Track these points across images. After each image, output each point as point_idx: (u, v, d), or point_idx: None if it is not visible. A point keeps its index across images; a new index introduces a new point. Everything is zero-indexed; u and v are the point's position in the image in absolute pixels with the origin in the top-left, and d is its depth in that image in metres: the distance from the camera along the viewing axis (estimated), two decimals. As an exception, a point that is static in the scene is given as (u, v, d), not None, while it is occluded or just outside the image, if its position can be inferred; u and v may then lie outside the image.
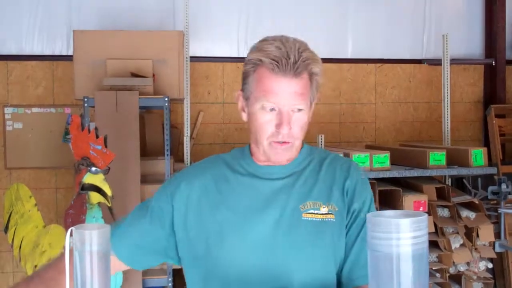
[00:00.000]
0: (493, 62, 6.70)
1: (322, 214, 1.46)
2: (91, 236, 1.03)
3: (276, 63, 1.41)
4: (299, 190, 1.50)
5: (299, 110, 1.47)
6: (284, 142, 1.47)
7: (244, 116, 1.56)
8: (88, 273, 1.03)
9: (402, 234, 1.07)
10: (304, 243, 1.43)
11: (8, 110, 6.07)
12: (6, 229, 4.18)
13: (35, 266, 3.91)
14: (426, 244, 1.11)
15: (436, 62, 6.45)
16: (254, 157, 1.57)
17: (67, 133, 6.06)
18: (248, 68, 1.51)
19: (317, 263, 1.43)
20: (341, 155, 3.49)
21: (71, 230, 1.06)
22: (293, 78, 1.43)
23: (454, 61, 6.52)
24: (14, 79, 6.10)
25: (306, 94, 1.47)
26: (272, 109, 1.45)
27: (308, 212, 1.46)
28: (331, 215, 1.46)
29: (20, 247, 4.08)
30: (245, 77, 1.53)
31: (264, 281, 1.41)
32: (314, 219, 1.45)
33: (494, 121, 6.22)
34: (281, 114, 1.44)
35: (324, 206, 1.47)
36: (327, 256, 1.44)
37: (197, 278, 1.55)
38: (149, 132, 5.84)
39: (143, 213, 1.58)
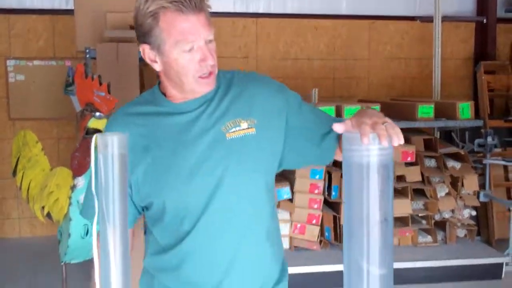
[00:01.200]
0: (484, 20, 6.86)
1: (243, 130, 1.57)
2: (112, 140, 1.24)
3: (180, 3, 1.48)
4: (216, 113, 1.59)
5: (210, 41, 1.55)
6: (210, 73, 1.55)
7: (157, 66, 1.59)
8: (110, 171, 1.24)
9: (371, 147, 1.28)
10: (232, 161, 1.57)
11: (11, 63, 6.25)
12: (14, 173, 4.40)
13: (43, 207, 4.14)
14: (391, 156, 1.31)
15: (428, 19, 6.57)
16: (169, 97, 1.63)
17: (68, 85, 6.23)
18: (148, 21, 1.52)
19: (246, 173, 1.58)
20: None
21: (96, 137, 1.27)
22: (199, 13, 1.51)
23: (446, 19, 6.67)
24: (16, 33, 6.26)
25: (209, 23, 1.55)
26: (190, 49, 1.51)
27: (229, 132, 1.57)
28: (250, 129, 1.58)
29: (28, 189, 4.31)
30: (148, 31, 1.53)
31: (204, 200, 1.56)
32: (236, 137, 1.57)
33: (483, 77, 6.40)
34: (202, 49, 1.52)
35: (243, 121, 1.59)
36: (253, 167, 1.59)
37: (151, 219, 1.68)
38: (148, 83, 6.02)
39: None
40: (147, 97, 1.68)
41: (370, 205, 1.28)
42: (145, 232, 2.38)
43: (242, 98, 1.63)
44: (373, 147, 1.27)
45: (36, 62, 6.26)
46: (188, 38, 1.51)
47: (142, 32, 1.56)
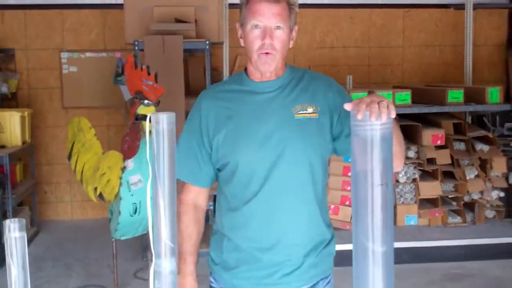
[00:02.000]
0: (517, 7, 6.99)
1: (309, 113, 1.95)
2: (163, 118, 1.57)
3: None
4: (289, 97, 1.98)
5: (278, 27, 1.87)
6: (268, 53, 1.88)
7: (242, 42, 1.97)
8: (161, 143, 1.58)
9: (373, 122, 1.56)
10: (297, 136, 1.92)
11: (64, 55, 6.69)
12: (69, 157, 4.80)
13: (95, 188, 4.52)
14: (391, 130, 1.59)
15: (462, 7, 6.71)
16: (251, 76, 2.02)
17: (117, 75, 6.62)
18: (242, 1, 1.94)
19: (306, 148, 1.92)
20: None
21: (150, 116, 1.61)
22: (276, 4, 1.87)
23: (478, 6, 6.82)
24: (69, 27, 6.69)
25: (284, 16, 1.90)
26: (257, 26, 1.87)
27: (298, 113, 1.95)
28: (314, 114, 1.95)
29: (82, 172, 4.69)
30: (241, 9, 1.94)
31: (270, 165, 1.90)
32: (303, 118, 1.94)
33: (514, 62, 6.57)
34: (264, 29, 1.86)
35: (309, 107, 1.96)
36: (313, 144, 1.93)
37: (223, 179, 2.02)
38: (192, 74, 6.39)
39: (190, 143, 2.01)
40: (235, 77, 2.08)
41: (373, 171, 1.56)
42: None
43: (310, 89, 2.00)
44: (376, 122, 1.55)
45: (88, 54, 6.68)
46: (257, 17, 1.87)
47: (239, 10, 1.97)
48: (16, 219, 1.42)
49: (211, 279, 2.10)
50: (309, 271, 1.99)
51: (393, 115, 1.51)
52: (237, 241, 1.98)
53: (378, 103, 1.49)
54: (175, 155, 1.62)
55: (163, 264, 1.64)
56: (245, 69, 2.05)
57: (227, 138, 1.94)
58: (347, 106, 1.54)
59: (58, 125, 6.79)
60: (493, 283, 4.78)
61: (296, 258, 1.96)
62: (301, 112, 1.95)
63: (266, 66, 1.92)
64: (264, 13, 1.87)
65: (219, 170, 2.02)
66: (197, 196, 2.05)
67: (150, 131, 4.06)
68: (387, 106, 1.49)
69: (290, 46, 1.99)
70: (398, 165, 1.95)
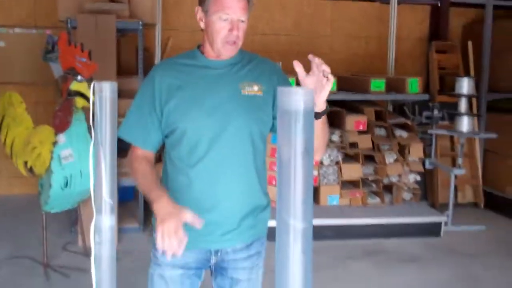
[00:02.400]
0: (439, 3, 7.37)
1: (254, 91, 2.16)
2: (106, 86, 1.70)
3: None
4: (237, 75, 2.18)
5: (242, 21, 2.12)
6: (234, 42, 2.11)
7: (202, 25, 2.17)
8: (103, 109, 1.71)
9: (296, 97, 1.76)
10: (242, 109, 2.12)
11: (-8, 30, 6.60)
12: (-1, 130, 4.80)
13: (26, 162, 4.54)
14: (312, 105, 1.78)
15: (387, 1, 7.06)
16: (205, 54, 2.20)
17: (47, 52, 6.58)
18: None
19: (249, 122, 2.12)
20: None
21: (94, 83, 1.73)
22: None
23: (403, 1, 7.19)
24: (-1, 1, 6.60)
25: (246, 10, 2.12)
26: (225, 19, 2.05)
27: (245, 89, 2.15)
28: (259, 92, 2.16)
29: (12, 146, 4.70)
30: (208, 2, 2.11)
31: (215, 134, 2.08)
32: (249, 94, 2.15)
33: (434, 56, 6.95)
34: (233, 22, 2.05)
35: (255, 85, 2.16)
36: (256, 118, 2.14)
37: (171, 144, 2.18)
38: (124, 54, 6.42)
39: (146, 111, 2.15)
40: (188, 54, 2.24)
41: (297, 138, 1.75)
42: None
43: (257, 70, 2.21)
44: (299, 98, 1.74)
45: (17, 30, 6.61)
46: (226, 11, 2.05)
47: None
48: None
49: (155, 236, 2.24)
50: (245, 232, 2.19)
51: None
52: (181, 201, 2.12)
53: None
54: (116, 121, 1.76)
55: (103, 220, 1.78)
56: (198, 47, 2.22)
57: (177, 106, 2.10)
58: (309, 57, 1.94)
59: (-15, 101, 6.68)
60: (406, 258, 5.11)
61: (234, 219, 2.15)
62: (248, 89, 2.14)
63: (230, 53, 2.13)
64: (233, 7, 2.06)
65: (166, 136, 2.18)
66: (145, 155, 2.19)
67: (82, 107, 4.13)
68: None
69: None
70: (320, 154, 2.23)
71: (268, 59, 2.34)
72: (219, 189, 2.12)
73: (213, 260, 2.21)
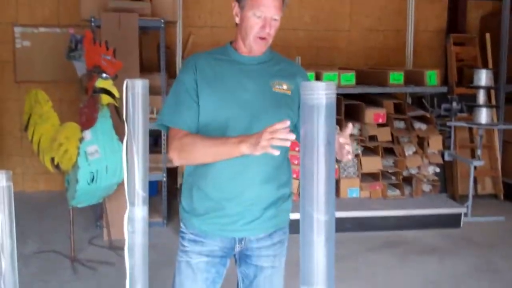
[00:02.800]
0: (456, -5, 7.39)
1: (284, 89, 2.27)
2: (138, 83, 1.80)
3: None
4: (268, 73, 2.28)
5: (275, 19, 2.22)
6: (265, 38, 2.22)
7: (237, 19, 2.23)
8: (136, 105, 1.81)
9: (319, 91, 1.83)
10: (272, 105, 2.22)
11: (18, 29, 6.74)
12: (26, 128, 4.92)
13: (52, 159, 4.66)
14: (334, 99, 1.85)
15: (405, -6, 7.10)
16: (238, 50, 2.30)
17: (70, 50, 6.71)
18: None
19: (279, 118, 2.14)
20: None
21: (127, 81, 1.83)
22: None
23: (421, -7, 7.23)
24: (23, 1, 6.73)
25: (280, 8, 2.21)
26: (259, 16, 2.15)
27: (275, 87, 2.26)
28: (288, 91, 2.27)
29: (39, 143, 4.83)
30: None
31: (245, 126, 2.16)
32: (279, 92, 2.26)
33: (452, 48, 6.98)
34: (266, 20, 2.15)
35: (284, 84, 2.27)
36: (284, 114, 2.21)
37: (201, 133, 2.24)
38: (146, 51, 6.54)
39: (189, 95, 2.23)
40: (219, 50, 2.34)
41: (319, 132, 1.83)
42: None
43: (286, 71, 2.32)
44: (322, 92, 1.82)
45: (41, 29, 6.75)
46: (261, 8, 2.16)
47: None
48: (4, 171, 1.63)
49: (182, 225, 2.36)
50: (267, 221, 2.28)
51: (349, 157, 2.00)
52: (206, 190, 2.23)
53: None
54: (148, 117, 1.85)
55: (135, 211, 1.88)
56: (230, 43, 2.32)
57: (211, 97, 2.19)
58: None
59: (10, 98, 6.85)
60: (425, 249, 5.17)
61: (257, 209, 2.24)
62: (278, 87, 2.25)
63: (260, 48, 2.23)
64: (268, 6, 2.16)
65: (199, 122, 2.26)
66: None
67: (108, 104, 4.26)
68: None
69: None
70: None
71: (295, 62, 2.49)
72: (243, 180, 2.20)
73: (237, 248, 2.30)
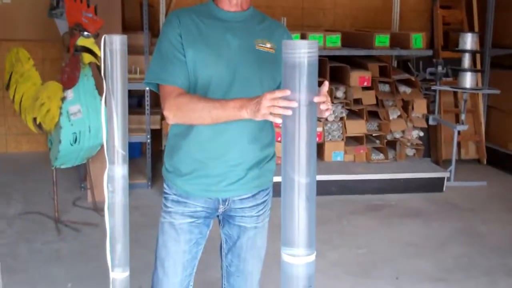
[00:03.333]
0: (445, -43, 7.29)
1: (267, 47, 2.23)
2: (116, 39, 1.75)
3: None
4: (252, 30, 2.24)
5: None
6: None
7: None
8: (114, 61, 1.76)
9: (301, 50, 1.79)
10: (255, 62, 2.19)
11: (-3, -14, 6.59)
12: (8, 87, 4.85)
13: (35, 118, 4.61)
14: (316, 58, 1.81)
15: (393, -46, 6.99)
16: (219, 5, 2.25)
17: (52, 8, 6.58)
18: None
19: (262, 76, 2.18)
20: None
21: (104, 36, 1.78)
22: None
23: (409, -45, 7.14)
24: (2, -43, 6.57)
25: None
26: None
27: (259, 45, 2.22)
28: (272, 49, 2.23)
29: (20, 102, 4.76)
30: None
31: (228, 83, 2.13)
32: (262, 50, 2.22)
33: (438, 11, 6.92)
34: None
35: (268, 43, 2.23)
36: (267, 72, 2.20)
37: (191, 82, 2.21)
38: (128, 10, 6.42)
39: (176, 50, 2.17)
40: (201, 7, 2.28)
41: (301, 92, 1.79)
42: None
43: (269, 29, 2.27)
44: (304, 51, 1.77)
45: (22, -15, 6.61)
46: None
47: None
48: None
49: (165, 186, 2.33)
50: (251, 182, 2.26)
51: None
52: (189, 150, 2.20)
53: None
54: (126, 72, 1.81)
55: (115, 170, 1.85)
56: (212, 0, 2.27)
57: (195, 53, 2.14)
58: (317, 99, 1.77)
59: (-10, 58, 6.72)
60: (408, 212, 5.21)
61: (240, 169, 2.22)
62: (261, 45, 2.21)
63: None
64: None
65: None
66: (181, 92, 2.16)
67: (90, 63, 4.17)
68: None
69: None
70: None
71: (279, 22, 2.41)
72: (226, 140, 2.17)
73: (221, 209, 2.29)
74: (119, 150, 1.83)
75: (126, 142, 1.85)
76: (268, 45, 2.22)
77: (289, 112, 1.70)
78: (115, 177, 1.85)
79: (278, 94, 1.75)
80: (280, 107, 1.74)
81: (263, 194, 2.34)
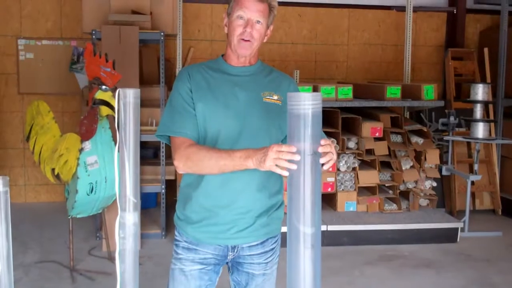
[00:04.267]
0: (455, 10, 7.46)
1: (274, 99, 2.33)
2: (130, 92, 1.86)
3: None
4: (259, 83, 2.35)
5: (258, 22, 2.28)
6: (248, 40, 2.28)
7: (226, 29, 2.36)
8: (127, 113, 1.87)
9: (305, 102, 1.88)
10: (263, 114, 2.28)
11: (21, 42, 6.83)
12: (28, 138, 4.99)
13: (53, 169, 4.73)
14: (320, 109, 1.90)
15: (403, 9, 7.15)
16: (227, 60, 2.37)
17: (72, 63, 6.83)
18: None
19: (269, 127, 2.27)
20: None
21: (119, 90, 1.89)
22: (258, 2, 2.24)
23: (419, 8, 7.32)
24: (26, 14, 6.83)
25: (265, 14, 2.27)
26: (242, 17, 2.23)
27: (266, 97, 2.32)
28: (278, 101, 2.33)
29: (40, 153, 4.89)
30: (229, 3, 2.33)
31: (236, 135, 2.22)
32: (269, 102, 2.32)
33: (450, 63, 7.05)
34: (248, 21, 2.23)
35: (275, 95, 2.33)
36: (274, 123, 2.29)
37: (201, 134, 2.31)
38: (146, 64, 6.62)
39: (187, 104, 2.29)
40: (212, 62, 2.41)
41: (305, 142, 1.86)
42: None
43: (276, 82, 2.38)
44: (308, 103, 1.86)
45: (44, 42, 6.84)
46: (243, 9, 2.24)
47: (228, 7, 2.33)
48: (1, 176, 1.69)
49: (176, 233, 2.41)
50: (260, 229, 2.33)
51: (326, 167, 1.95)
52: (199, 198, 2.28)
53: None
54: (139, 123, 1.91)
55: (127, 217, 1.94)
56: (222, 56, 2.39)
57: (204, 107, 2.25)
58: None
59: (13, 110, 6.93)
60: (422, 263, 5.20)
61: (249, 217, 2.29)
62: (268, 97, 2.31)
63: (244, 51, 2.27)
64: (250, 8, 2.23)
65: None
66: (192, 143, 2.27)
67: (107, 115, 4.32)
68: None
69: (264, 41, 2.34)
70: None
71: (285, 74, 2.50)
72: (235, 188, 2.25)
73: (230, 256, 2.35)
74: (131, 197, 1.91)
75: (137, 190, 1.93)
76: (275, 97, 2.31)
77: (294, 166, 1.77)
78: (126, 224, 1.92)
79: (285, 148, 1.81)
80: (285, 160, 1.80)
81: (271, 241, 2.40)
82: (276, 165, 1.88)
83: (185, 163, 2.19)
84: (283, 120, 2.29)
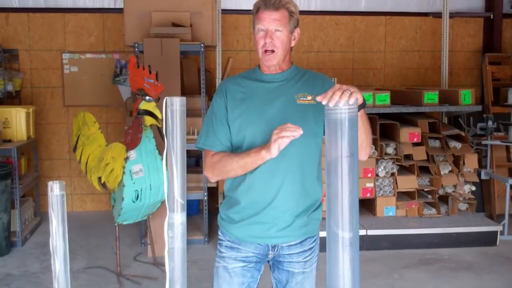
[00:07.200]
0: (492, 15, 7.46)
1: (308, 100, 2.42)
2: (176, 100, 2.00)
3: (263, 3, 2.36)
4: (293, 88, 2.45)
5: (277, 30, 2.38)
6: (272, 51, 2.36)
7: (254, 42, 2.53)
8: (174, 120, 2.01)
9: (342, 107, 1.98)
10: (297, 116, 2.37)
11: (66, 56, 7.09)
12: (75, 149, 5.19)
13: (99, 178, 4.91)
14: (356, 113, 2.00)
15: (440, 15, 7.19)
16: (261, 69, 2.51)
17: (115, 75, 7.05)
18: (253, 11, 2.42)
19: (305, 127, 2.27)
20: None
21: (166, 99, 2.03)
22: (274, 11, 2.35)
23: (456, 14, 7.33)
24: (70, 29, 7.09)
25: (283, 21, 2.37)
26: (262, 30, 2.35)
27: (300, 99, 2.42)
28: (313, 101, 2.41)
29: (86, 163, 5.08)
30: (253, 18, 2.47)
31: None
32: (304, 103, 2.41)
33: (487, 68, 7.05)
34: (267, 32, 2.35)
35: (309, 95, 2.42)
36: (310, 123, 2.37)
37: (235, 148, 2.45)
38: (187, 74, 6.80)
39: (218, 119, 2.45)
40: (249, 72, 2.55)
41: (342, 145, 1.97)
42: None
43: (310, 83, 2.47)
44: (344, 107, 1.97)
45: (88, 55, 7.10)
46: (261, 22, 2.37)
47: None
48: (57, 181, 1.84)
49: (219, 233, 2.55)
50: (298, 229, 2.43)
51: (351, 101, 1.90)
52: (240, 199, 2.42)
53: (344, 91, 1.89)
54: (185, 131, 2.05)
55: (175, 217, 2.07)
56: (259, 65, 2.53)
57: (241, 115, 2.39)
58: (318, 98, 1.92)
59: (59, 122, 7.18)
60: (461, 266, 5.23)
61: (288, 216, 2.40)
62: (302, 98, 2.41)
63: (269, 62, 2.40)
64: (266, 19, 2.35)
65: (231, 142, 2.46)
66: None
67: (151, 125, 4.51)
68: (350, 93, 1.88)
69: (292, 45, 2.46)
70: (365, 153, 2.38)
71: (319, 73, 2.59)
72: (275, 191, 2.36)
73: (270, 255, 2.47)
74: (179, 199, 2.05)
75: (184, 192, 2.06)
76: (309, 98, 2.40)
77: (296, 135, 2.07)
78: (174, 224, 2.05)
79: (288, 124, 2.06)
80: (288, 131, 2.06)
81: (310, 241, 2.50)
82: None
83: (212, 172, 2.41)
84: (318, 118, 2.39)
